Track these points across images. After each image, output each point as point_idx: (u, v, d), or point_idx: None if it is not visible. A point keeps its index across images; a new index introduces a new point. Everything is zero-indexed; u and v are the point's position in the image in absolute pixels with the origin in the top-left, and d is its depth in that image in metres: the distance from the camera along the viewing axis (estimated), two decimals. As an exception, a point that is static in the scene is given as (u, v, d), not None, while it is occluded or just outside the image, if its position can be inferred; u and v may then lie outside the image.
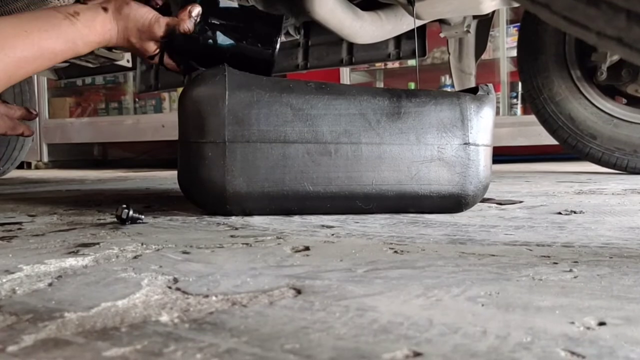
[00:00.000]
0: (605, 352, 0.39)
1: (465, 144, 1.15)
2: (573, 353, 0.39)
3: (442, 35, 2.01)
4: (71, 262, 0.71)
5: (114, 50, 1.69)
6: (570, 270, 0.63)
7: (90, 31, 1.01)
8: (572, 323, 0.45)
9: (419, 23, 1.72)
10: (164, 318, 0.48)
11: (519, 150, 3.84)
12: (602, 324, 0.45)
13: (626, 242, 0.81)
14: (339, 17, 1.53)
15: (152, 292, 0.56)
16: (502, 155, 3.76)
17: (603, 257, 0.71)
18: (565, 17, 0.38)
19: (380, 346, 0.41)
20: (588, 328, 0.44)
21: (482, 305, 0.50)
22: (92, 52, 1.70)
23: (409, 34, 2.01)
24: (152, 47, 1.10)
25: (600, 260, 0.69)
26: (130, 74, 4.84)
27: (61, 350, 0.40)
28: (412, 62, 4.23)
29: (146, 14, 1.07)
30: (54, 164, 5.11)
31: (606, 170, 2.37)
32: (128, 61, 1.89)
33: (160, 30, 1.07)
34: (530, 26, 2.37)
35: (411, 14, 1.49)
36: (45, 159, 5.10)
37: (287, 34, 1.71)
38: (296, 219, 1.10)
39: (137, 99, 5.15)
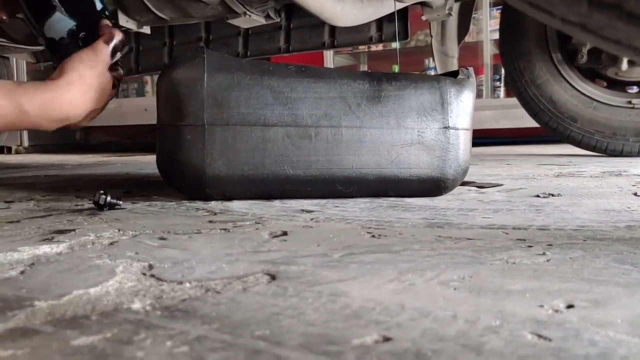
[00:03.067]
0: (570, 335, 0.39)
1: (445, 127, 1.15)
2: (540, 336, 0.40)
3: (424, 18, 2.00)
4: (45, 249, 0.70)
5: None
6: (544, 254, 0.64)
7: None
8: (541, 306, 0.46)
9: (400, 6, 1.71)
10: (136, 305, 0.47)
11: (502, 133, 3.86)
12: (570, 306, 0.46)
13: (600, 224, 0.82)
14: (320, -1, 1.51)
15: (126, 279, 0.56)
16: (485, 137, 3.78)
17: (577, 239, 0.72)
18: (529, 2, 0.38)
19: (351, 331, 0.41)
20: (556, 311, 0.45)
21: (454, 289, 0.51)
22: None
23: (391, 17, 2.00)
24: None
25: (574, 243, 0.70)
26: (112, 57, 4.77)
27: (29, 340, 0.40)
28: (395, 45, 4.21)
29: None
30: (35, 148, 5.05)
31: (586, 153, 2.39)
32: (106, 44, 1.86)
33: None
34: (512, 9, 2.36)
35: (392, -4, 1.48)
36: (26, 143, 5.03)
37: (268, 16, 1.69)
38: (276, 203, 1.10)
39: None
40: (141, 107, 4.56)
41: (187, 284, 0.54)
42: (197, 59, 1.08)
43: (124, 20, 1.65)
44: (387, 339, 0.40)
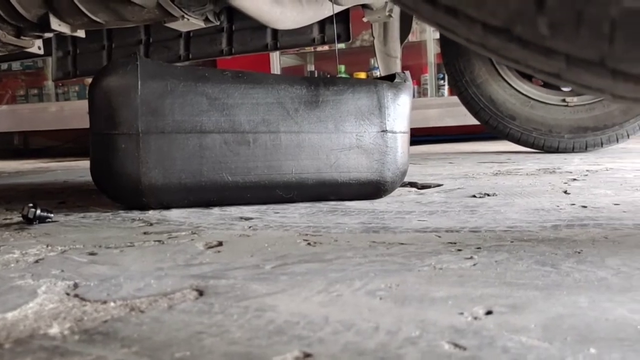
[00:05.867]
0: (485, 343, 0.41)
1: (383, 131, 1.16)
2: (456, 345, 0.40)
3: (365, 19, 2.02)
4: (-35, 270, 0.67)
5: (22, 37, 1.61)
6: (471, 258, 0.65)
7: None
8: (462, 314, 0.47)
9: (339, 8, 1.72)
10: (54, 330, 0.46)
11: (447, 131, 3.94)
12: (489, 312, 0.47)
13: (529, 224, 0.85)
14: (257, 3, 1.50)
15: (47, 301, 0.54)
16: (430, 135, 3.85)
17: (505, 241, 0.74)
18: (434, 22, 0.39)
19: (272, 349, 0.41)
20: (475, 318, 0.46)
21: (380, 299, 0.51)
22: (-2, 39, 1.61)
23: (332, 19, 2.01)
24: None
25: (502, 245, 0.72)
26: (51, 59, 4.62)
27: None
28: (341, 45, 4.24)
29: None
30: (-30, 155, 4.83)
31: (525, 150, 2.47)
32: (39, 48, 1.79)
33: None
34: (452, 10, 2.41)
35: (330, -1, 1.49)
36: (-40, 149, 4.81)
37: (207, 20, 1.67)
38: (215, 210, 1.09)
39: (59, 85, 4.92)
40: (83, 110, 4.42)
41: (112, 304, 0.53)
42: (130, 66, 1.06)
43: (56, 24, 1.60)
44: (307, 355, 0.40)
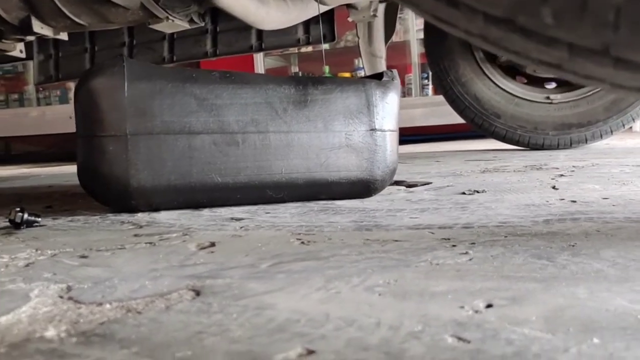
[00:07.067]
0: (489, 336, 0.40)
1: (371, 130, 1.16)
2: (460, 339, 0.40)
3: (350, 19, 2.02)
4: (-47, 275, 0.66)
5: (3, 40, 1.58)
6: (467, 253, 0.65)
7: None
8: (462, 307, 0.47)
9: (324, 8, 1.72)
10: (50, 333, 0.45)
11: (432, 130, 3.96)
12: (489, 306, 0.47)
13: (521, 219, 0.85)
14: (243, 3, 1.50)
15: (41, 304, 0.53)
16: (415, 135, 3.87)
17: (499, 236, 0.74)
18: (434, 15, 0.38)
19: (274, 347, 0.40)
20: (476, 311, 0.46)
21: (379, 294, 0.51)
22: (-22, 43, 1.58)
23: (317, 19, 2.00)
24: None
25: (496, 240, 0.72)
26: (31, 63, 4.57)
27: None
28: (326, 46, 4.24)
29: None
30: (-50, 161, 4.75)
31: (511, 147, 2.49)
32: (21, 51, 1.77)
33: None
34: (436, 9, 2.43)
35: (316, -1, 1.49)
36: (-61, 156, 4.73)
37: (192, 21, 1.65)
38: (205, 212, 1.08)
39: (40, 89, 4.86)
40: (66, 115, 4.38)
41: (107, 305, 0.52)
42: (117, 67, 1.04)
43: (38, 27, 1.58)
44: (310, 352, 0.39)
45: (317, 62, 4.69)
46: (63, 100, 4.76)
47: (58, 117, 4.48)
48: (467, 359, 0.37)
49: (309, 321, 0.45)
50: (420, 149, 3.14)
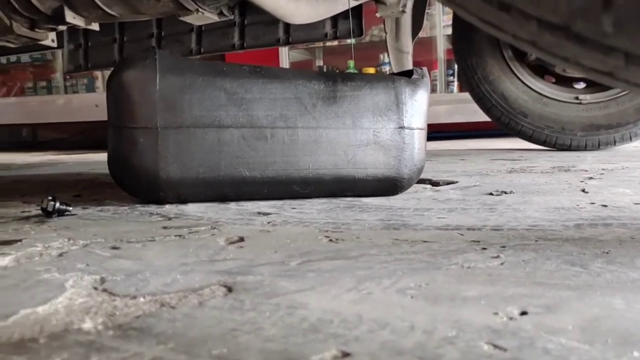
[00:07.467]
0: (525, 344, 0.40)
1: (400, 127, 1.15)
2: (495, 346, 0.40)
3: (378, 15, 2.01)
4: (-10, 262, 0.67)
5: (36, 30, 1.61)
6: (498, 256, 0.65)
7: None
8: (496, 314, 0.46)
9: (354, 3, 1.71)
10: (87, 325, 0.46)
11: (456, 127, 3.93)
12: (524, 313, 0.46)
13: (551, 223, 0.84)
14: (274, -3, 1.50)
15: (76, 295, 0.54)
16: (439, 132, 3.84)
17: (529, 240, 0.73)
18: (480, 18, 0.38)
19: (309, 347, 0.41)
20: (511, 318, 0.45)
21: (412, 297, 0.51)
22: (12, 32, 1.61)
23: (345, 14, 2.00)
24: None
25: (527, 244, 0.71)
26: (59, 51, 4.63)
27: (-28, 369, 0.38)
28: (350, 40, 4.22)
29: None
30: (-21, 146, 4.85)
31: (536, 147, 2.46)
32: (53, 40, 1.79)
33: None
34: (465, 6, 2.40)
35: (346, -6, 1.48)
36: (-31, 141, 4.83)
37: (221, 13, 1.66)
38: (232, 205, 1.09)
39: (67, 78, 4.93)
40: (92, 103, 4.44)
41: (141, 299, 0.52)
42: (149, 60, 1.05)
43: (70, 17, 1.60)
44: (346, 355, 0.39)
45: (342, 56, 4.68)
46: (89, 88, 4.82)
47: (84, 105, 4.53)
48: (504, 368, 0.37)
49: (342, 322, 0.45)
50: (444, 146, 3.12)
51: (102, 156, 3.01)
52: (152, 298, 0.53)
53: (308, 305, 0.50)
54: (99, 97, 4.44)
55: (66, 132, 5.11)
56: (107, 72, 4.63)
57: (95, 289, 0.56)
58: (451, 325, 0.44)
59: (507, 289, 0.53)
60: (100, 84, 4.77)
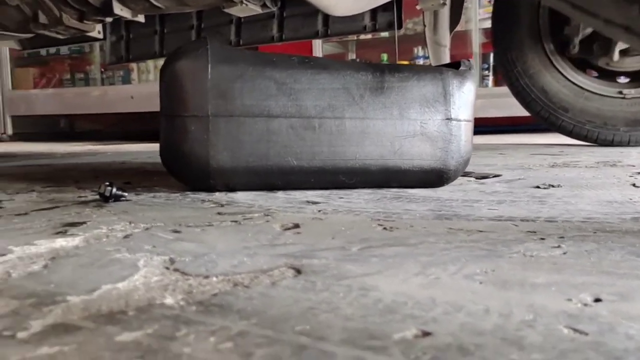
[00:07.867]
0: (605, 329, 0.41)
1: (447, 119, 1.16)
2: (575, 330, 0.41)
3: (418, 7, 2.00)
4: (61, 242, 0.70)
5: (84, 21, 1.64)
6: (559, 246, 0.65)
7: None
8: (570, 300, 0.47)
9: (397, -4, 1.71)
10: (169, 300, 0.48)
11: (491, 122, 3.89)
12: (597, 300, 0.47)
13: (606, 216, 0.83)
14: (319, -11, 1.50)
15: (150, 274, 0.56)
16: (475, 126, 3.80)
17: (587, 232, 0.73)
18: (572, 3, 0.38)
19: (389, 326, 0.42)
20: (585, 305, 0.46)
21: (480, 282, 0.52)
22: (62, 23, 1.65)
23: (385, 6, 1.99)
24: None
25: (585, 235, 0.71)
26: (97, 44, 4.71)
27: (72, 336, 0.40)
28: (384, 34, 4.21)
29: None
30: (19, 136, 4.98)
31: (576, 143, 2.42)
32: (99, 32, 1.83)
33: None
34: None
35: (391, -14, 1.48)
36: (10, 131, 4.96)
37: (264, 5, 1.67)
38: (280, 194, 1.10)
39: (104, 70, 5.02)
40: (127, 95, 4.51)
41: (214, 278, 0.54)
42: (201, 50, 1.07)
43: (118, 9, 1.63)
44: (426, 334, 0.40)
45: (375, 49, 4.66)
46: (125, 80, 4.90)
47: (120, 96, 4.61)
48: (589, 351, 0.37)
49: (416, 304, 0.46)
50: (481, 140, 3.09)
51: (140, 147, 3.07)
52: (224, 278, 0.54)
53: (379, 288, 0.50)
54: (135, 89, 4.52)
55: (102, 123, 5.22)
56: (143, 65, 4.70)
57: (167, 268, 0.58)
58: (526, 309, 0.45)
59: (575, 277, 0.53)
60: (135, 75, 4.84)
